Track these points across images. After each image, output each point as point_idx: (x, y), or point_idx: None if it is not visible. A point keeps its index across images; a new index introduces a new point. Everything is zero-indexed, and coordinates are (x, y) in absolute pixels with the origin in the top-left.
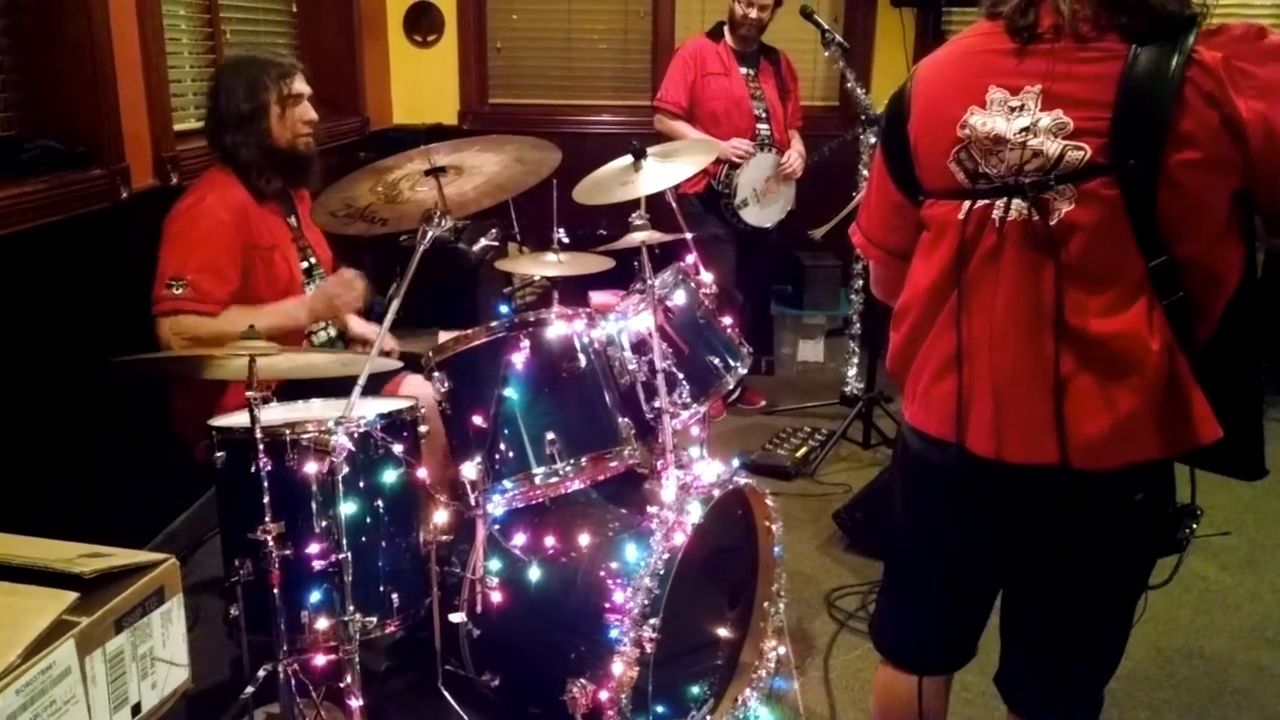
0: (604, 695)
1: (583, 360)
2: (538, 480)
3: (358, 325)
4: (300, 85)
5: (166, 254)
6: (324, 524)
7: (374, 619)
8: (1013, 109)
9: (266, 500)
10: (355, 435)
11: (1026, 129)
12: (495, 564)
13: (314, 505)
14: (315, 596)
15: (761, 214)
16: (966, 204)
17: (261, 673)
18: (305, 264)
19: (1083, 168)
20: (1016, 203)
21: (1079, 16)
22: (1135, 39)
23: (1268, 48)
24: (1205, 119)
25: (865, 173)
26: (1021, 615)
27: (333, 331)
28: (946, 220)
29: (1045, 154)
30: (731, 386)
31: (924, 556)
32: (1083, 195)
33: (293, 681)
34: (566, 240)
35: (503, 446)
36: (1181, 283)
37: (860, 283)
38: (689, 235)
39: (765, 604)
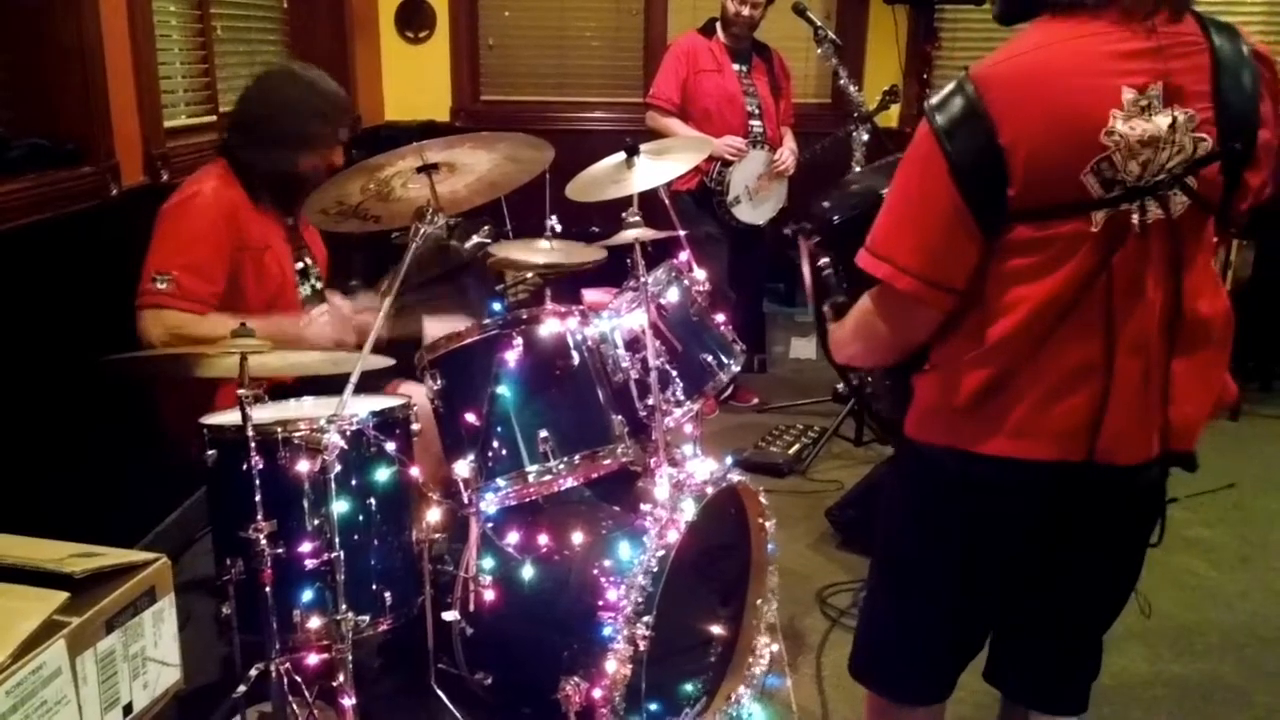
0: (597, 693)
1: (576, 358)
2: (531, 478)
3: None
4: (345, 133)
5: (155, 248)
6: (316, 522)
7: (366, 618)
8: (1143, 108)
9: (258, 499)
10: (347, 433)
11: (1172, 126)
12: (488, 562)
13: (306, 504)
14: (307, 595)
15: (754, 211)
16: (1099, 214)
17: (253, 672)
18: (300, 264)
19: (1207, 157)
20: (1151, 202)
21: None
22: (1201, 23)
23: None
24: (1271, 105)
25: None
26: (1040, 615)
27: (309, 290)
28: (1072, 235)
29: (1185, 149)
30: (724, 384)
31: (964, 591)
32: (1200, 184)
33: (285, 681)
34: (559, 228)
35: (496, 444)
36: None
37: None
38: (682, 233)
39: (758, 601)
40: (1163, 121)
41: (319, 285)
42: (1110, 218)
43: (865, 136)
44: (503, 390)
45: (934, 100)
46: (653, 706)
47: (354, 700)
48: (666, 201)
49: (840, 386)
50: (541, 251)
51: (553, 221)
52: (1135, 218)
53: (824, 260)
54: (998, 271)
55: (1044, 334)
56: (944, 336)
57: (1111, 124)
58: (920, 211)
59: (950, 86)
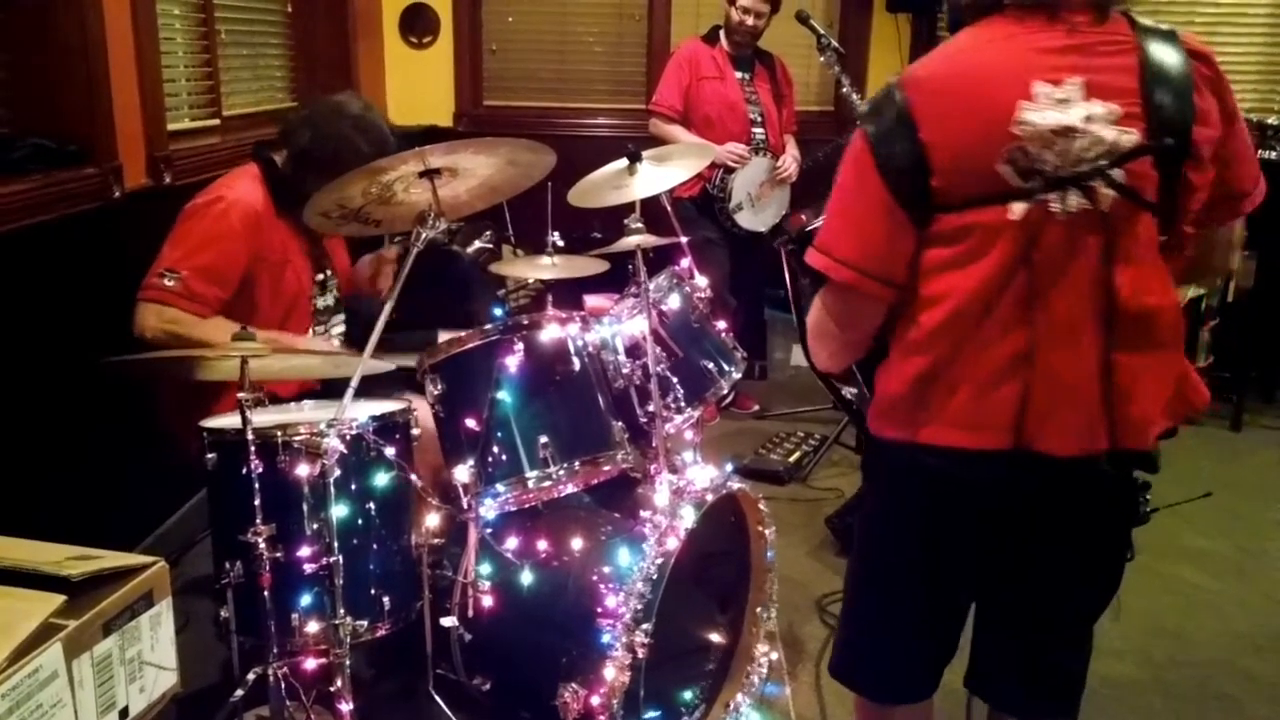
0: (595, 700)
1: (576, 364)
2: (530, 484)
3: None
4: None
5: (171, 244)
6: (315, 527)
7: (365, 622)
8: (1060, 100)
9: (258, 502)
10: (347, 438)
11: (1088, 118)
12: (487, 568)
13: (305, 508)
14: (306, 599)
15: (756, 218)
16: (1019, 204)
17: (251, 676)
18: (320, 275)
19: (1133, 150)
20: (1073, 193)
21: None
22: (1134, 26)
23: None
24: (1211, 102)
25: None
26: (1014, 612)
27: (330, 300)
28: (993, 225)
29: (1105, 140)
30: (725, 391)
31: (929, 584)
32: (1129, 177)
33: (283, 685)
34: (561, 243)
35: (495, 450)
36: (1176, 258)
37: None
38: (683, 239)
39: (757, 609)
40: (1077, 113)
41: (338, 296)
42: (1031, 208)
43: None
44: (503, 395)
45: (865, 103)
46: (651, 714)
47: (352, 705)
48: (668, 208)
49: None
50: (544, 268)
51: (554, 237)
52: (1056, 207)
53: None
54: (927, 262)
55: (973, 322)
56: (893, 331)
57: (1020, 114)
58: (854, 207)
59: (881, 90)
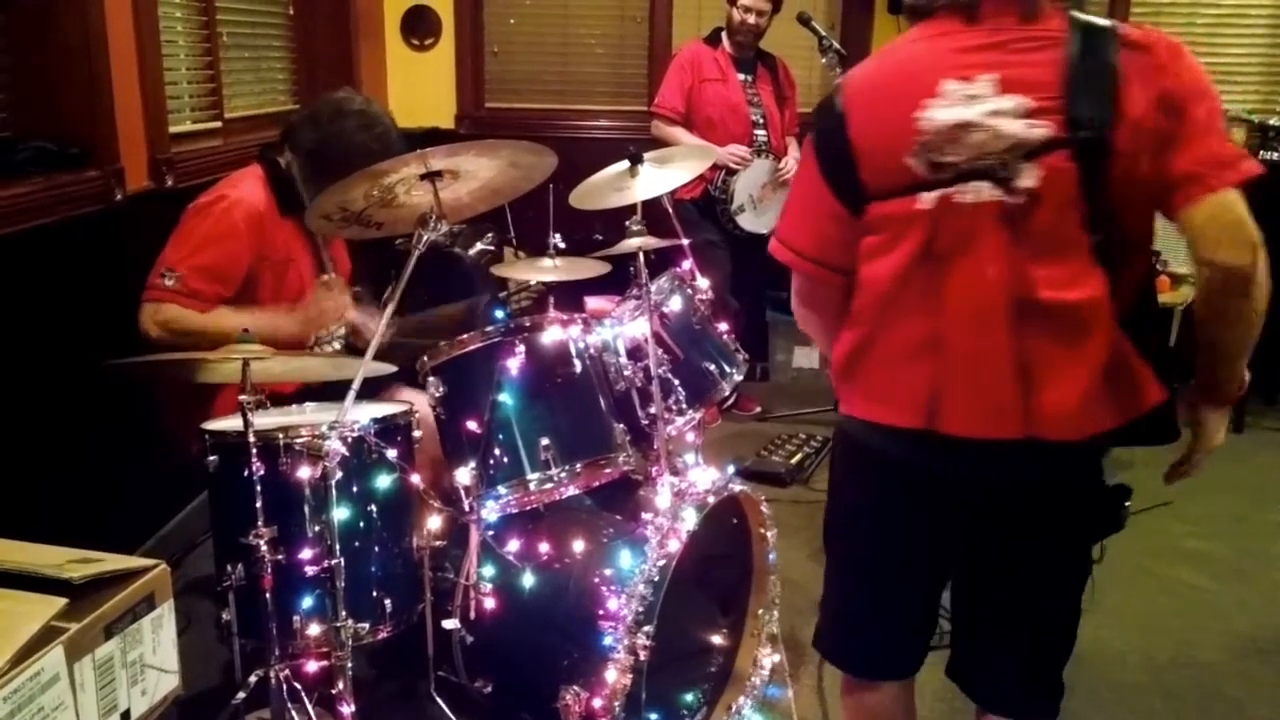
0: (597, 703)
1: (578, 366)
2: (532, 486)
3: (355, 315)
4: None
5: (172, 244)
6: (317, 529)
7: (366, 625)
8: (970, 96)
9: (259, 504)
10: (349, 440)
11: (991, 112)
12: (489, 570)
13: (307, 510)
14: (307, 602)
15: (758, 220)
16: (929, 195)
17: (253, 678)
18: (325, 277)
19: (1044, 144)
20: (983, 185)
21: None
22: (1071, 23)
23: (1178, 47)
24: (1144, 94)
25: None
26: (974, 603)
27: (338, 345)
28: (906, 215)
29: (1010, 134)
30: (726, 393)
31: (872, 558)
32: (1043, 171)
33: (284, 687)
34: (562, 245)
35: (497, 452)
36: (1114, 257)
37: None
38: (685, 241)
39: (759, 611)
40: (981, 109)
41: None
42: (941, 198)
43: None
44: (504, 397)
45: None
46: (653, 716)
47: (353, 707)
48: (670, 210)
49: None
50: (545, 270)
51: (556, 239)
52: (966, 198)
53: None
54: (861, 249)
55: (889, 305)
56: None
57: (924, 111)
58: (805, 202)
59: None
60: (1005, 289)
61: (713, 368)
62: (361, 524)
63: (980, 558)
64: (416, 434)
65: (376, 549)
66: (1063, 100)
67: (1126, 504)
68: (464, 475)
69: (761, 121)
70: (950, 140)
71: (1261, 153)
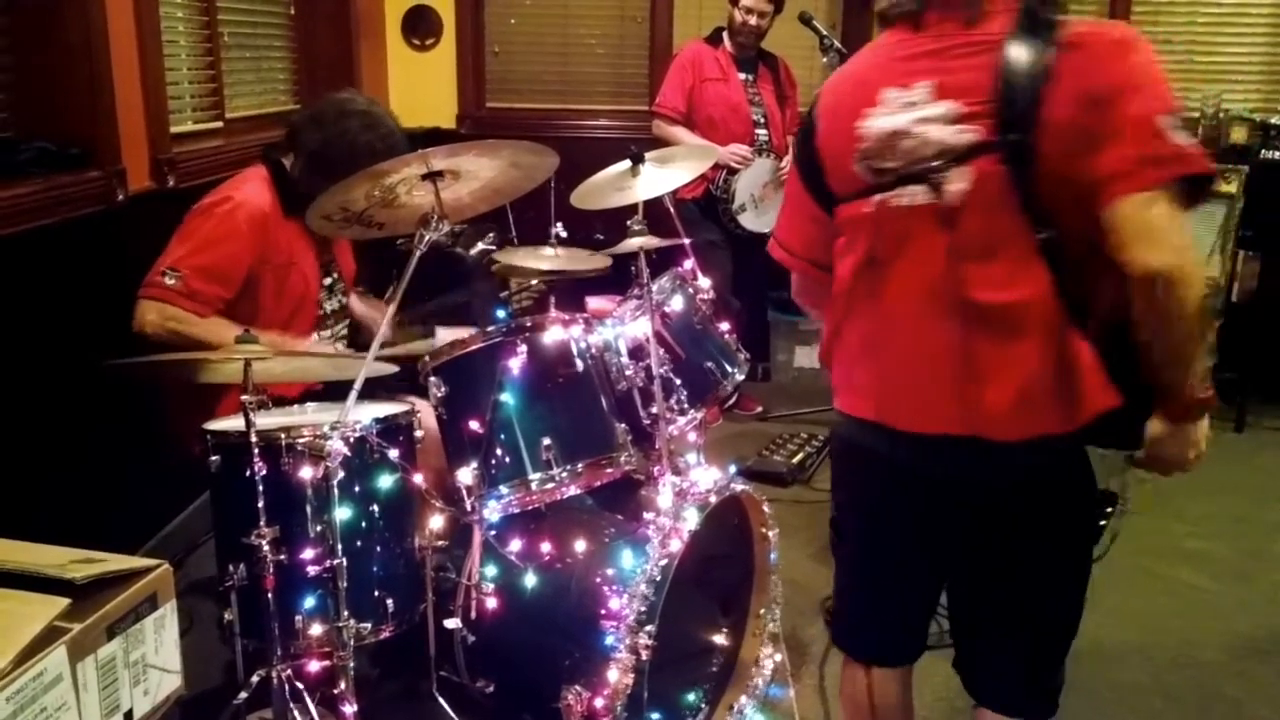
0: (599, 702)
1: (579, 365)
2: (534, 486)
3: (359, 306)
4: None
5: (174, 243)
6: (319, 529)
7: (368, 625)
8: (907, 104)
9: (261, 505)
10: (351, 440)
11: (921, 120)
12: (490, 570)
13: (309, 510)
14: (310, 602)
15: (759, 220)
16: (875, 198)
17: (255, 678)
18: (328, 279)
19: (972, 147)
20: (917, 190)
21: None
22: (1017, 24)
23: (1122, 41)
24: (1073, 91)
25: None
26: (970, 602)
27: (341, 346)
28: (858, 218)
29: (936, 140)
30: (728, 392)
31: (862, 544)
32: (974, 174)
33: (286, 687)
34: (564, 234)
35: (499, 452)
36: (1070, 256)
37: None
38: (686, 241)
39: (761, 611)
40: (911, 116)
41: (344, 301)
42: (879, 203)
43: None
44: (506, 397)
45: None
46: (655, 716)
47: (355, 707)
48: (671, 209)
49: None
50: (546, 259)
51: (558, 228)
52: (902, 202)
53: None
54: (834, 249)
55: (847, 303)
56: None
57: (863, 119)
58: (791, 203)
59: None
60: (942, 290)
61: (714, 367)
62: (363, 524)
63: (972, 556)
64: (418, 434)
65: (378, 549)
66: (993, 104)
67: (1108, 511)
68: (466, 475)
69: (763, 121)
70: (886, 147)
71: (1263, 152)
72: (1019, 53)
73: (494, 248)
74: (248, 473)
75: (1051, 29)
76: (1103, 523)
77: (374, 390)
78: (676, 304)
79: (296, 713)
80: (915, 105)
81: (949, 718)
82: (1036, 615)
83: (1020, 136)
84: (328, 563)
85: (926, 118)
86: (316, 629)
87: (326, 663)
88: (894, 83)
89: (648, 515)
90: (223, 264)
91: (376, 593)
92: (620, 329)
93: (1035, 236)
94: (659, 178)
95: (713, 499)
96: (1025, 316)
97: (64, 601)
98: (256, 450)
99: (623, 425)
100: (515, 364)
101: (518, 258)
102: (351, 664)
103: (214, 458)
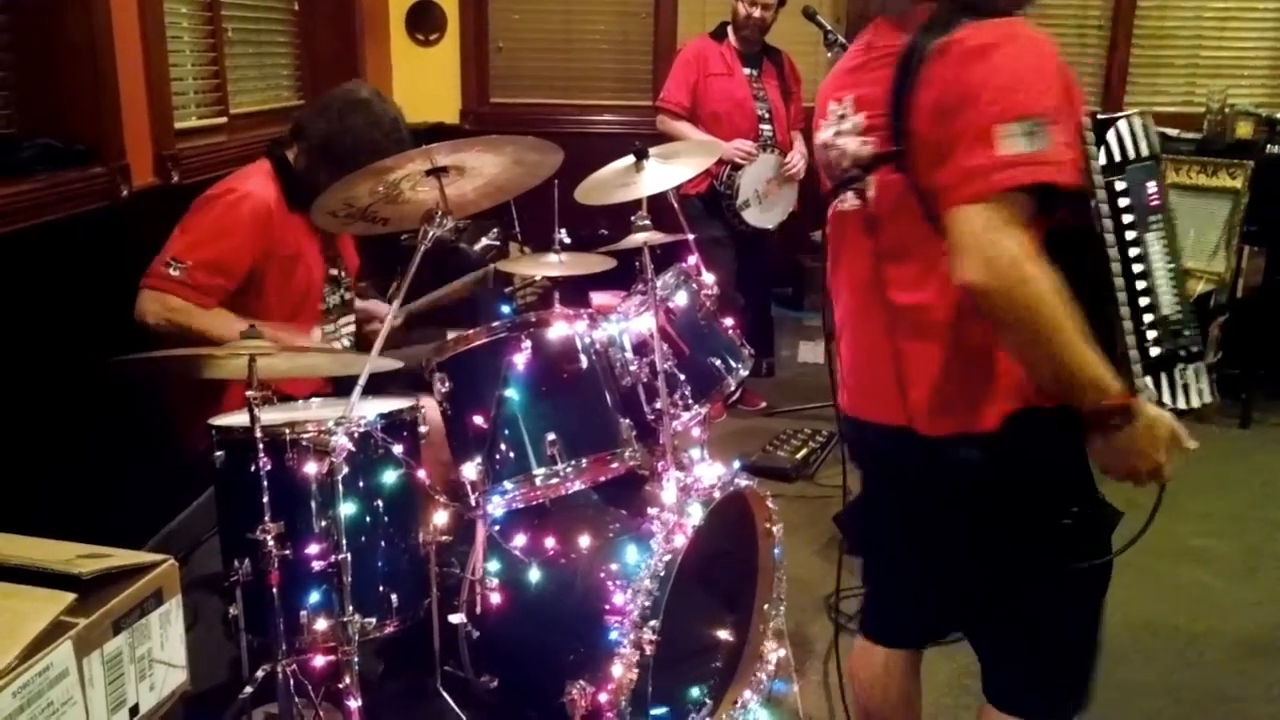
0: (603, 698)
1: (584, 361)
2: (538, 481)
3: (360, 303)
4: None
5: (178, 234)
6: (323, 524)
7: (373, 620)
8: (839, 116)
9: (266, 500)
10: (355, 436)
11: (839, 131)
12: (495, 565)
13: (313, 505)
14: (314, 597)
15: (763, 215)
16: (832, 203)
17: (260, 673)
18: (333, 272)
19: (874, 158)
20: (849, 194)
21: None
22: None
23: (980, 48)
24: (931, 100)
25: None
26: (954, 596)
27: (348, 342)
28: (828, 219)
29: (850, 152)
30: (732, 388)
31: (865, 529)
32: (876, 183)
33: (291, 682)
34: (568, 240)
35: (503, 447)
36: None
37: None
38: (690, 236)
39: (765, 606)
40: (834, 128)
41: (348, 295)
42: (832, 206)
43: None
44: (510, 393)
45: None
46: (658, 711)
47: (360, 702)
48: (675, 205)
49: None
50: (550, 265)
51: (561, 234)
52: (844, 206)
53: None
54: None
55: (831, 300)
56: None
57: (817, 131)
58: None
59: None
60: (873, 290)
61: (718, 363)
62: (368, 519)
63: (949, 550)
64: (423, 429)
65: (383, 544)
66: (885, 116)
67: (1065, 523)
68: (470, 470)
69: (767, 116)
70: (824, 157)
71: (1269, 147)
72: (906, 62)
73: (498, 243)
74: (252, 468)
75: (930, 36)
76: (1090, 533)
77: (379, 385)
78: (680, 299)
79: (301, 708)
80: (843, 118)
81: (954, 714)
82: (1010, 615)
83: (900, 148)
84: (332, 558)
85: (843, 130)
86: (321, 624)
87: (331, 658)
88: (833, 95)
89: (652, 511)
90: (225, 256)
91: (381, 588)
92: (624, 325)
93: (940, 241)
94: (663, 173)
95: (717, 494)
96: (930, 317)
97: (70, 597)
98: (261, 446)
99: (627, 421)
100: (520, 359)
101: (522, 265)
102: (356, 659)
103: (218, 453)
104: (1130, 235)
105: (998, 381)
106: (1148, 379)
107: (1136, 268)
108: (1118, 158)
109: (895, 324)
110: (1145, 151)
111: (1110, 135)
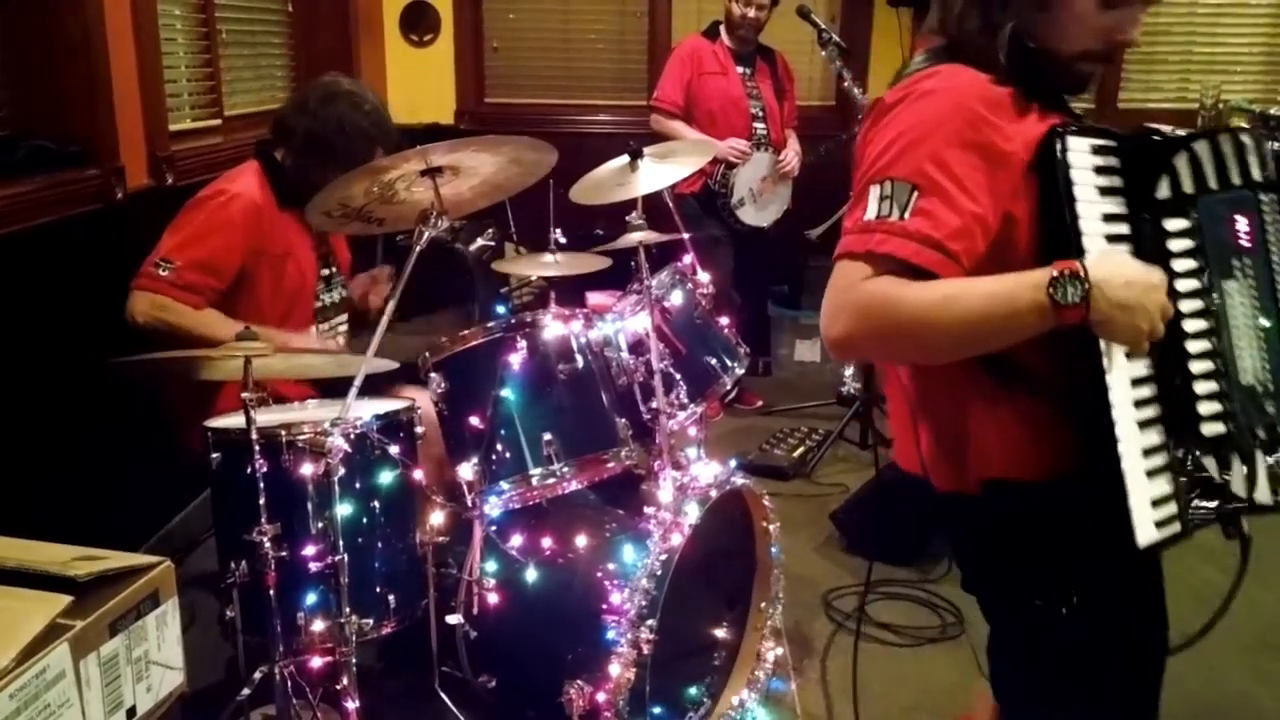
0: (601, 697)
1: (580, 361)
2: (535, 481)
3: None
4: (382, 153)
5: (168, 235)
6: (320, 525)
7: (370, 620)
8: None
9: (262, 501)
10: (351, 436)
11: None
12: (492, 565)
13: (310, 506)
14: (311, 598)
15: (758, 214)
16: None
17: (257, 674)
18: (326, 270)
19: None
20: None
21: None
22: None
23: (884, 106)
24: (857, 163)
25: None
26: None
27: (336, 297)
28: None
29: None
30: (729, 387)
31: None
32: None
33: (289, 683)
34: (563, 240)
35: (499, 447)
36: None
37: None
38: (686, 236)
39: (763, 605)
40: None
41: (343, 293)
42: None
43: None
44: (506, 393)
45: None
46: (656, 710)
47: (357, 703)
48: (670, 204)
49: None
50: (545, 265)
51: (557, 234)
52: None
53: None
54: None
55: None
56: None
57: None
58: None
59: None
60: None
61: (714, 362)
62: (365, 520)
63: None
64: (419, 430)
65: (380, 545)
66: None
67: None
68: (467, 471)
69: (761, 115)
70: None
71: (1269, 143)
72: (866, 114)
73: (493, 244)
74: (249, 470)
75: (897, 81)
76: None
77: (374, 387)
78: (676, 299)
79: (299, 709)
80: None
81: (951, 713)
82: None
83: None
84: (329, 559)
85: None
86: (318, 625)
87: (328, 659)
88: None
89: (649, 510)
90: (215, 255)
91: (378, 589)
92: (620, 324)
93: None
94: (658, 173)
95: (714, 493)
96: (902, 381)
97: (66, 599)
98: (257, 447)
99: (623, 420)
100: (516, 359)
101: (518, 266)
102: (354, 660)
103: (215, 455)
104: (1189, 285)
105: (968, 446)
106: (1209, 459)
107: (1194, 325)
108: (1188, 189)
109: (890, 381)
110: (1236, 179)
111: (1180, 161)
